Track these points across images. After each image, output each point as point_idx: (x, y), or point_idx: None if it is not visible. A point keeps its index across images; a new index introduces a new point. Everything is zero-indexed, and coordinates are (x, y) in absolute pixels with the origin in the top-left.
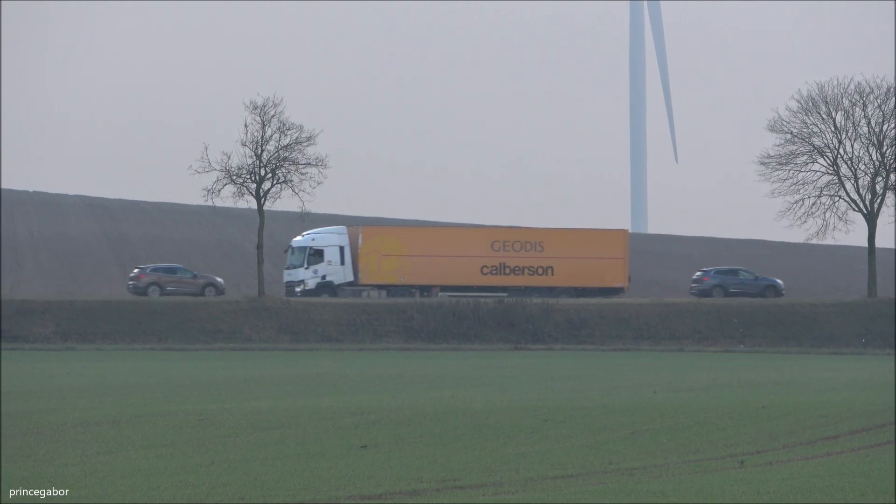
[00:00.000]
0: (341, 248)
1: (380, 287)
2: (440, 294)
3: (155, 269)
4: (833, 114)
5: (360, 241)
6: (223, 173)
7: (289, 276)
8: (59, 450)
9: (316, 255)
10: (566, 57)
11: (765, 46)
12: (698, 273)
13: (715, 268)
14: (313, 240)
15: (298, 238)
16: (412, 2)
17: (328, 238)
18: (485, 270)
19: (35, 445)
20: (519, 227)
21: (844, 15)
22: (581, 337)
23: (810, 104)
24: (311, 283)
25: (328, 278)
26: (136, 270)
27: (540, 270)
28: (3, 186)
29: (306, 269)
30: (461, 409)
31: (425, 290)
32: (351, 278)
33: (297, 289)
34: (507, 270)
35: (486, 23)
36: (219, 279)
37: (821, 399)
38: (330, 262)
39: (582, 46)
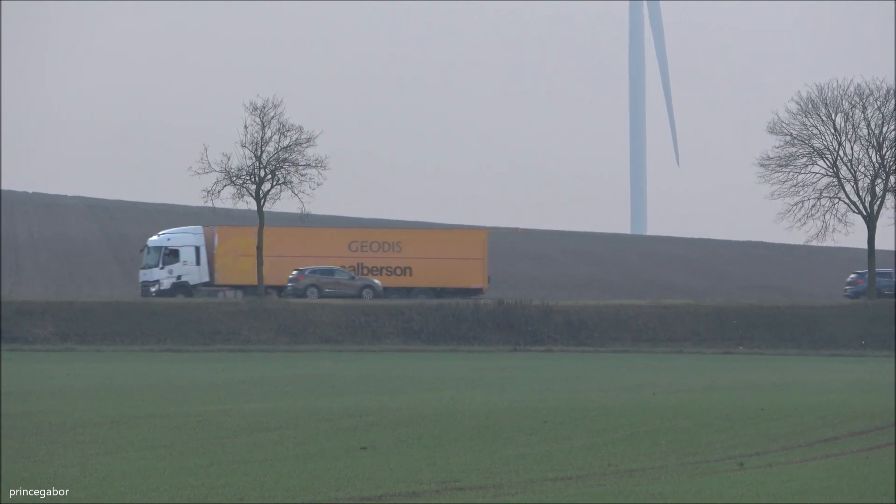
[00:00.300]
0: (197, 248)
1: (236, 287)
2: None
3: (314, 272)
4: (833, 116)
5: (216, 241)
6: (223, 174)
7: (144, 275)
8: (59, 450)
9: (171, 254)
10: (566, 58)
11: (764, 47)
12: (852, 275)
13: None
14: (169, 239)
15: (154, 238)
16: (412, 2)
17: (184, 238)
18: None
19: (35, 446)
20: (377, 228)
21: (845, 16)
22: (580, 338)
23: (810, 106)
24: (167, 283)
25: (184, 278)
26: (294, 272)
27: (398, 271)
28: (3, 187)
29: (161, 268)
30: (460, 411)
31: (282, 290)
32: (207, 278)
33: (153, 289)
34: (365, 271)
35: (486, 23)
36: (376, 281)
37: (820, 401)
38: (185, 262)
39: (582, 47)
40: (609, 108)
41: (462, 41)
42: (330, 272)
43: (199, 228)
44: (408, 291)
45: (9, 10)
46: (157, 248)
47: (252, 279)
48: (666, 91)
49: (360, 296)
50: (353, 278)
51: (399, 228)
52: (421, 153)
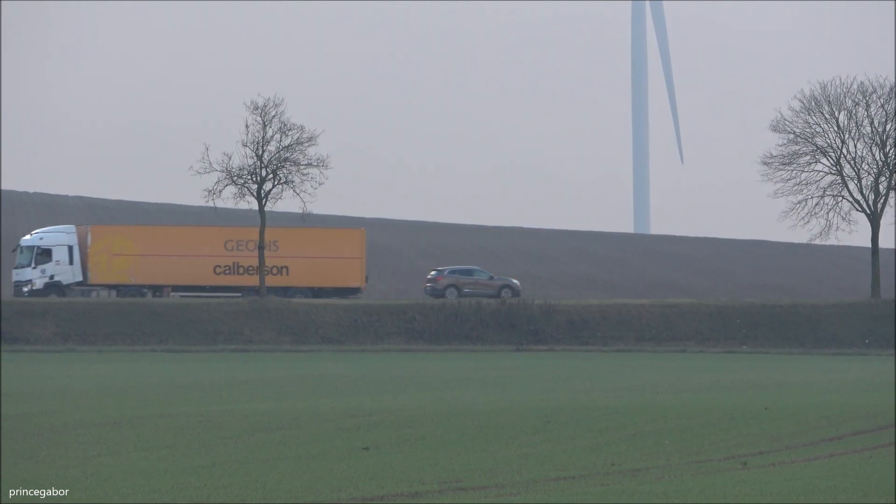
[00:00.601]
0: (70, 248)
1: (110, 287)
2: (172, 294)
3: (453, 272)
4: (836, 113)
5: (89, 241)
6: (224, 174)
7: (17, 275)
8: (60, 451)
9: (44, 254)
10: (568, 56)
11: (767, 46)
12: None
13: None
14: (41, 239)
15: (27, 237)
16: (414, 2)
17: (56, 237)
18: (218, 270)
19: (36, 447)
20: (254, 227)
21: (849, 14)
22: (583, 338)
23: (813, 104)
24: (39, 283)
25: (56, 278)
26: (433, 272)
27: (275, 270)
28: (4, 187)
29: (34, 268)
30: (463, 411)
31: (157, 289)
32: (80, 278)
33: (25, 289)
34: (241, 270)
35: (487, 23)
36: (514, 280)
37: (823, 400)
38: (58, 261)
39: (584, 46)
40: (611, 106)
41: (465, 41)
42: (469, 272)
43: (72, 228)
44: (285, 291)
45: (9, 10)
46: (30, 248)
47: (126, 279)
48: (669, 89)
49: (498, 295)
50: (491, 278)
51: (275, 227)
52: (424, 153)
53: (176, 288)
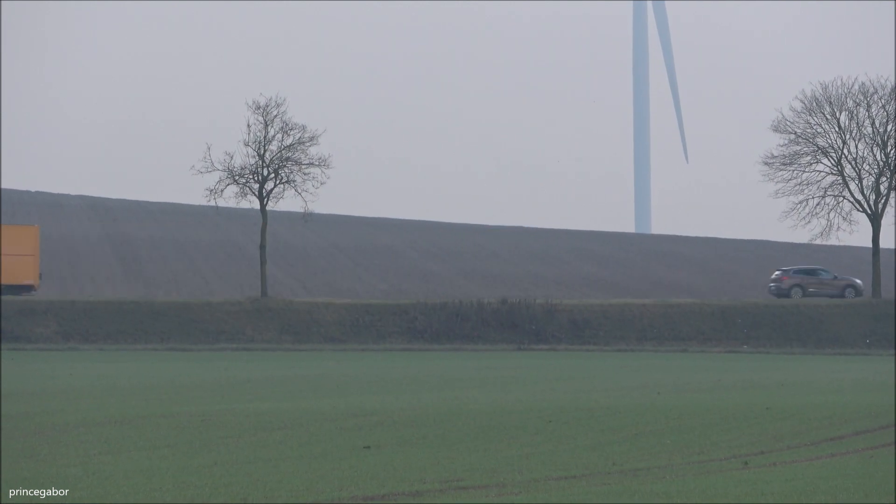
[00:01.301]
0: None
1: None
2: None
3: (798, 272)
4: (837, 114)
5: None
6: (226, 173)
7: None
8: (61, 450)
9: None
10: (570, 56)
11: (769, 46)
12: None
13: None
14: None
15: None
16: (415, 1)
17: None
18: None
19: (37, 446)
20: None
21: (851, 14)
22: (585, 337)
23: (814, 104)
24: None
25: None
26: (777, 273)
27: None
28: (5, 187)
29: None
30: (464, 410)
31: None
32: None
33: None
34: None
35: (489, 22)
36: (857, 280)
37: (825, 400)
38: None
39: (586, 46)
40: (613, 106)
41: (466, 41)
42: (813, 272)
43: None
44: None
45: (9, 9)
46: None
47: None
48: (673, 88)
49: (842, 295)
50: (835, 278)
51: None
52: (426, 153)
53: None
